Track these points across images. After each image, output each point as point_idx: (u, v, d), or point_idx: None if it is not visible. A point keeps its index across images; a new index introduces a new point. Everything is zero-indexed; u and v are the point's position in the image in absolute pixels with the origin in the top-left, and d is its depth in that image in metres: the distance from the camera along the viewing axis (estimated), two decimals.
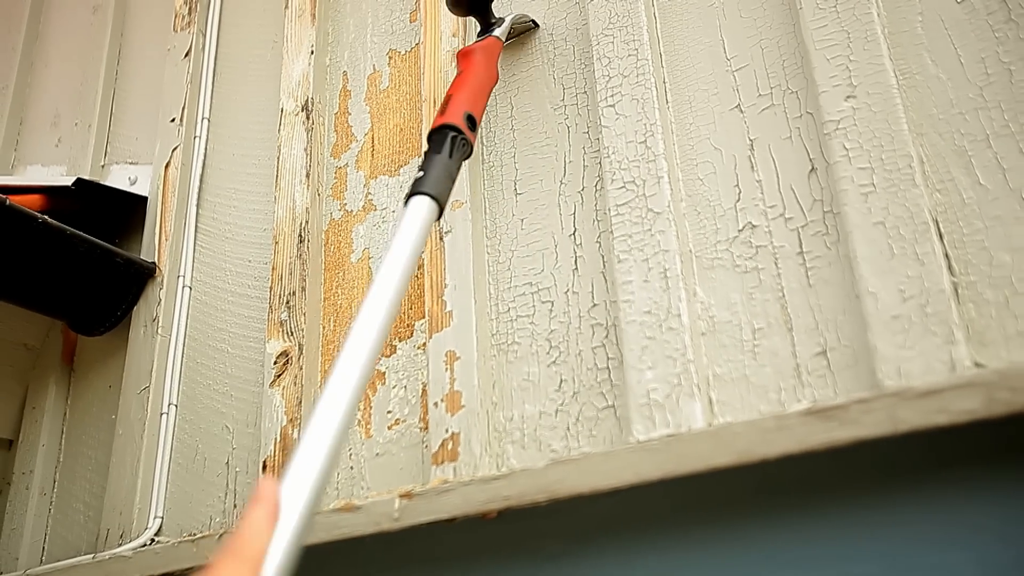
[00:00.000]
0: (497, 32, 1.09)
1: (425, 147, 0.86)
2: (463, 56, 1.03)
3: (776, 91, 0.96)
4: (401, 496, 0.91)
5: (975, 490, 0.68)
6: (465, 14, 1.12)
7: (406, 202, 0.77)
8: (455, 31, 1.22)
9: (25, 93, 1.92)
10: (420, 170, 0.78)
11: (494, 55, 1.05)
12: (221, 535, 1.02)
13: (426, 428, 1.04)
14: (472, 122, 0.87)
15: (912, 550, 0.70)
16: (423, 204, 0.75)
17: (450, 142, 0.82)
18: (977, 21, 0.87)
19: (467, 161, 1.12)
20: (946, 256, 0.80)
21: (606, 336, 0.97)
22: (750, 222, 0.92)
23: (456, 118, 0.85)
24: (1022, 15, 0.84)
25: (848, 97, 0.88)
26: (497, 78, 1.03)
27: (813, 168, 0.91)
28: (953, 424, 0.67)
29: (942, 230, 0.81)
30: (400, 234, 0.72)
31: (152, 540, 1.18)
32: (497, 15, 1.13)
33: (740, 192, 0.94)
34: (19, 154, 1.85)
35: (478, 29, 1.13)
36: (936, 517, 0.70)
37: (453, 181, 0.80)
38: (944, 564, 0.68)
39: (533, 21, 1.17)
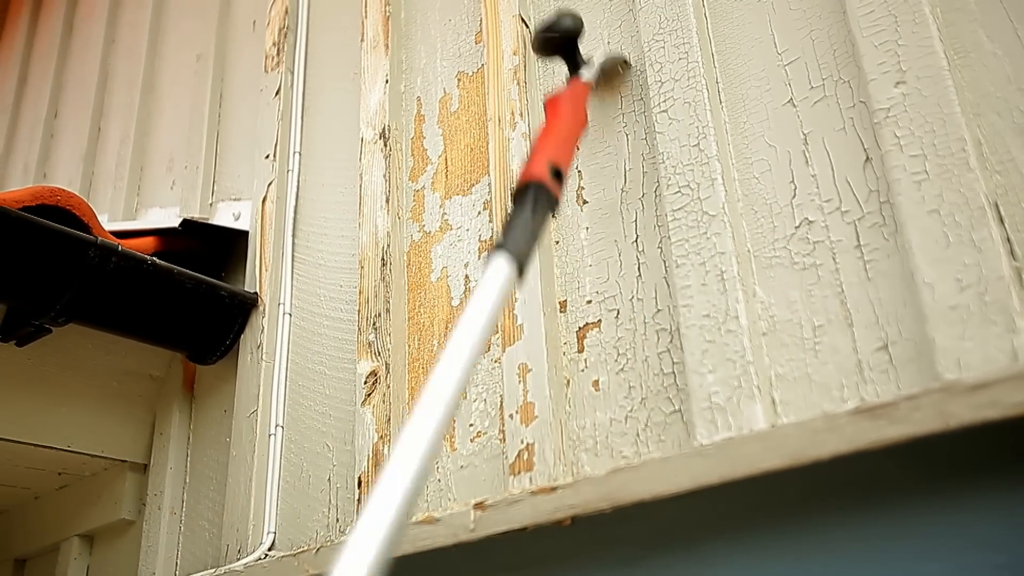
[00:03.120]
0: (586, 75, 1.03)
1: (511, 204, 0.81)
2: (550, 105, 0.97)
3: (828, 82, 0.94)
4: (475, 507, 0.94)
5: None
6: (551, 55, 1.07)
7: (488, 260, 0.73)
8: (515, 49, 1.25)
9: (144, 142, 2.08)
10: (504, 228, 0.76)
11: (582, 101, 0.99)
12: (319, 549, 1.08)
13: (504, 440, 1.07)
14: (558, 175, 0.82)
15: (978, 550, 0.68)
16: (501, 265, 0.70)
17: (532, 199, 0.78)
18: None
19: None
20: (1007, 240, 0.77)
21: (670, 341, 0.97)
22: (807, 218, 0.91)
23: (541, 173, 0.80)
24: None
25: (898, 83, 0.86)
26: (586, 123, 0.98)
27: (868, 158, 0.89)
28: (1006, 418, 0.65)
29: (1002, 213, 0.78)
30: (477, 296, 0.68)
31: (265, 555, 1.26)
32: (586, 55, 1.08)
33: (796, 188, 0.93)
34: (141, 199, 2.00)
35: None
36: (1001, 515, 0.68)
37: (536, 238, 0.76)
38: (1011, 564, 0.66)
39: (625, 60, 1.13)
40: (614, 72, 1.13)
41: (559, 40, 1.04)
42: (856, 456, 0.72)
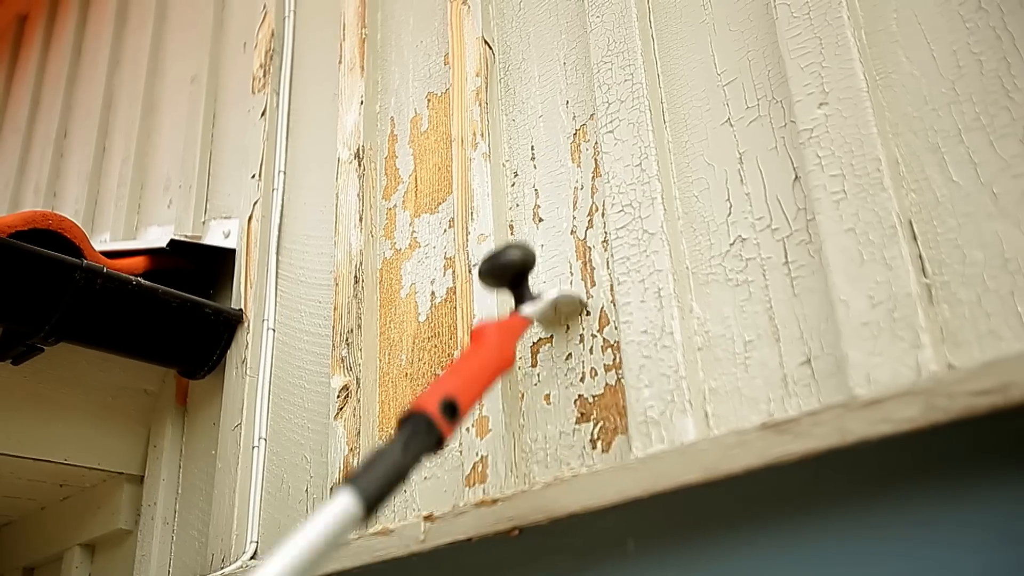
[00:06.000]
0: (528, 310, 0.95)
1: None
2: (475, 335, 0.88)
3: (763, 102, 0.97)
4: (425, 519, 0.98)
5: (932, 498, 0.68)
6: (496, 287, 0.99)
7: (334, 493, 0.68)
8: (478, 71, 1.28)
9: (144, 162, 2.14)
10: (365, 460, 0.70)
11: (514, 336, 0.91)
12: None
13: (463, 452, 1.10)
14: (452, 410, 0.75)
15: (883, 558, 0.70)
16: (344, 503, 0.65)
17: (409, 433, 0.71)
18: (949, 12, 0.85)
19: (491, 189, 1.18)
20: (919, 257, 0.79)
21: (614, 357, 1.00)
22: (740, 235, 0.94)
23: (430, 404, 0.74)
24: (992, 2, 0.82)
25: (821, 104, 0.88)
26: (511, 364, 0.88)
27: (797, 177, 0.91)
28: (898, 433, 0.67)
29: (916, 231, 0.81)
30: (305, 529, 0.63)
31: (245, 564, 1.30)
32: (536, 291, 1.00)
33: (731, 206, 0.96)
34: (140, 217, 2.06)
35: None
36: (902, 525, 0.70)
37: (399, 479, 0.69)
38: (911, 571, 0.69)
39: (583, 303, 1.05)
40: (570, 310, 1.05)
41: (505, 274, 0.96)
42: (769, 470, 0.75)
